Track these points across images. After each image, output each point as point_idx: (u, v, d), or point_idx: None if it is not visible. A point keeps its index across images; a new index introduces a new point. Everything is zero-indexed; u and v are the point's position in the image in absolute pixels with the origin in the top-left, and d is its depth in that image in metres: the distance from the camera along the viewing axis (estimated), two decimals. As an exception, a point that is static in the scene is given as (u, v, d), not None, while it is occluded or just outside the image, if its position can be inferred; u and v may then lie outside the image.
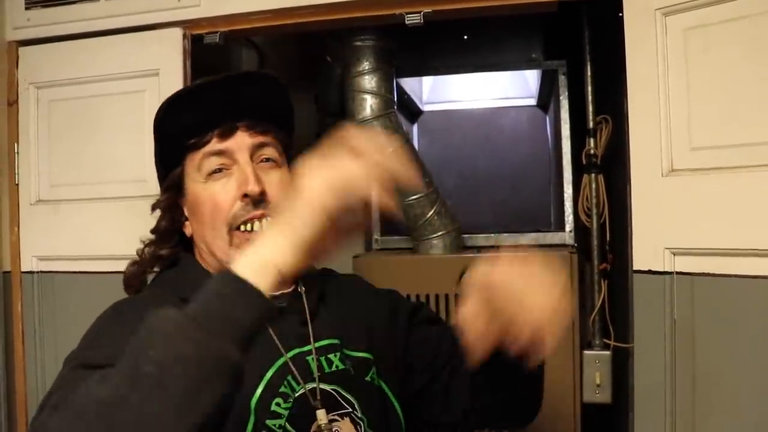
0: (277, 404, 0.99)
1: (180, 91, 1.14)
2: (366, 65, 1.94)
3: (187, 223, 1.12)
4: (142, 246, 1.14)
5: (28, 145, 1.96)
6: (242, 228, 1.04)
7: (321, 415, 1.00)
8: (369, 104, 1.92)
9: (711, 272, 1.42)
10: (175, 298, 0.97)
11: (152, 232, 1.14)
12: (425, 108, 2.86)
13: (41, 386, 1.95)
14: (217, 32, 1.83)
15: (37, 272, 1.96)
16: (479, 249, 2.06)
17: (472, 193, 2.76)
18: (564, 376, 1.84)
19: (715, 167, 1.40)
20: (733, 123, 1.38)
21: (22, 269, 1.96)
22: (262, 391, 0.99)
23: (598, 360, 1.90)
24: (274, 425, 0.97)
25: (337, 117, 2.61)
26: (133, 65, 1.86)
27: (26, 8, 1.93)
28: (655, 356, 1.49)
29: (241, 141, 1.06)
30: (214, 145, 1.05)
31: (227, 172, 1.06)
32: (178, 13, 1.82)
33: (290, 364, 1.02)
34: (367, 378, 1.11)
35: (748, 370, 1.37)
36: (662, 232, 1.48)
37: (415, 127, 2.85)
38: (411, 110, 2.75)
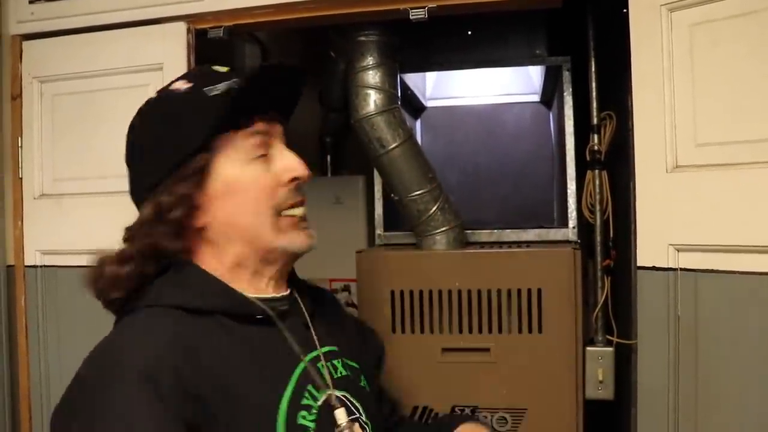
0: (303, 417, 0.98)
1: (255, 69, 1.07)
2: (370, 60, 1.94)
3: (197, 213, 1.01)
4: (126, 237, 1.02)
5: (31, 139, 1.96)
6: (285, 213, 1.04)
7: (341, 414, 1.01)
8: (373, 99, 1.92)
9: (715, 269, 1.41)
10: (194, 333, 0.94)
11: (156, 222, 0.99)
12: (429, 104, 2.85)
13: (44, 380, 1.96)
14: (221, 27, 1.83)
15: (41, 266, 1.96)
16: (482, 245, 2.06)
17: (475, 189, 2.76)
18: (566, 372, 1.84)
19: (720, 163, 1.40)
20: (738, 119, 1.38)
21: (26, 263, 1.97)
22: (287, 408, 0.97)
23: (600, 356, 1.90)
24: None
25: (340, 112, 2.61)
26: (137, 59, 1.86)
27: (30, 2, 1.94)
28: (658, 353, 1.49)
29: (277, 127, 1.07)
30: (260, 127, 1.03)
31: (266, 157, 1.04)
32: (182, 7, 1.83)
33: (309, 370, 1.02)
34: (362, 385, 1.14)
35: (752, 367, 1.37)
36: (666, 229, 1.48)
37: (418, 123, 2.85)
38: (414, 106, 2.74)
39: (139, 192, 1.03)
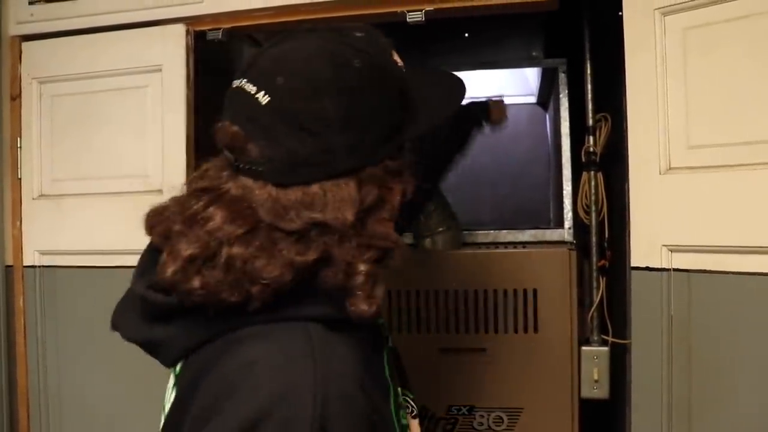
0: (403, 417, 0.92)
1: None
2: (367, 62, 1.95)
3: None
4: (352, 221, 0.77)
5: (30, 139, 1.97)
6: None
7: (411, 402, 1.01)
8: (370, 101, 1.93)
9: (708, 269, 1.43)
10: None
11: (380, 209, 0.80)
12: (426, 105, 2.87)
13: (42, 380, 1.96)
14: (219, 29, 1.84)
15: (39, 266, 1.97)
16: (479, 245, 2.08)
17: (472, 190, 2.77)
18: (562, 371, 1.86)
19: (713, 165, 1.42)
20: (730, 122, 1.39)
21: (25, 263, 1.98)
22: (395, 410, 0.87)
23: (596, 356, 1.91)
24: None
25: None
26: (136, 61, 1.87)
27: (30, 3, 1.95)
28: (652, 352, 1.50)
29: None
30: None
31: None
32: (181, 9, 1.84)
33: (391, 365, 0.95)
34: None
35: (745, 365, 1.39)
36: (660, 230, 1.50)
37: (415, 124, 2.87)
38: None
39: (324, 167, 0.77)
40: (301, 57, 0.79)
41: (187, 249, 0.74)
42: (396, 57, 0.85)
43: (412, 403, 1.01)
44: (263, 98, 0.76)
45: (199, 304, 0.74)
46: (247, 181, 0.77)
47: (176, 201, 0.82)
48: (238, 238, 0.74)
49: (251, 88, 0.77)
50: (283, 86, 0.77)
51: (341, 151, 0.77)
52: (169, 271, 0.74)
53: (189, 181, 0.84)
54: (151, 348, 0.83)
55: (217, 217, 0.75)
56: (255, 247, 0.74)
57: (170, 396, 0.84)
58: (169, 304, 0.77)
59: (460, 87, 0.90)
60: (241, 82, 0.79)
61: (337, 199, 0.76)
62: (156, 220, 0.83)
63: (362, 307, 0.76)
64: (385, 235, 0.80)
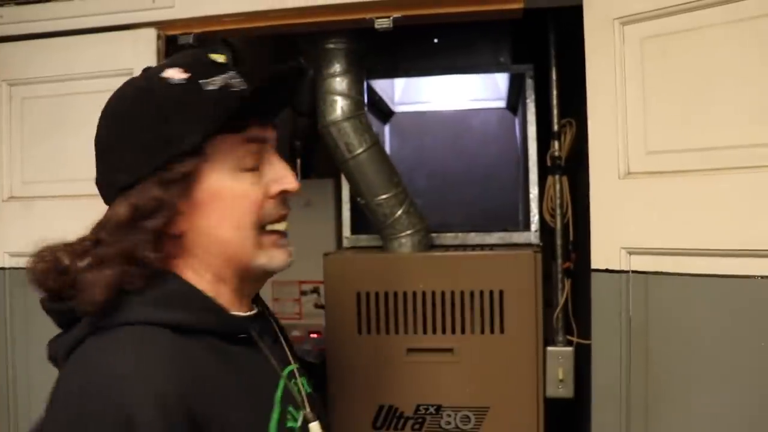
0: None
1: (268, 73, 0.94)
2: (337, 67, 1.98)
3: (176, 219, 0.91)
4: (97, 236, 0.90)
5: (0, 142, 1.97)
6: (268, 227, 0.96)
7: (315, 428, 0.98)
8: (340, 106, 1.96)
9: (665, 271, 1.47)
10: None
11: (132, 227, 0.87)
12: (397, 109, 2.90)
13: (12, 382, 1.96)
14: (190, 33, 1.86)
15: (9, 268, 1.97)
16: (447, 248, 2.11)
17: (442, 193, 2.81)
18: (528, 371, 1.90)
19: (670, 170, 1.46)
20: (686, 129, 1.44)
21: (-5, 265, 1.98)
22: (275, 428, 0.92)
23: (560, 356, 1.96)
24: None
25: (309, 117, 2.65)
26: (108, 64, 1.88)
27: None
28: (611, 352, 1.55)
29: (271, 134, 0.98)
30: (255, 132, 0.94)
31: (257, 166, 0.95)
32: (152, 14, 1.85)
33: (289, 389, 0.98)
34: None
35: (700, 366, 1.43)
36: (619, 233, 1.54)
37: (386, 128, 2.90)
38: (383, 111, 2.79)
39: (110, 188, 0.91)
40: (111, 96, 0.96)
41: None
42: (170, 74, 0.91)
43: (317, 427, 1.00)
44: None
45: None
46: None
47: None
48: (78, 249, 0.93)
49: None
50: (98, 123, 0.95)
51: (118, 169, 0.90)
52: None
53: None
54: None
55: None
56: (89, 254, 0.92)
57: None
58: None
59: (229, 99, 0.93)
60: None
61: (112, 213, 0.90)
62: None
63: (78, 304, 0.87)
64: (131, 245, 0.88)
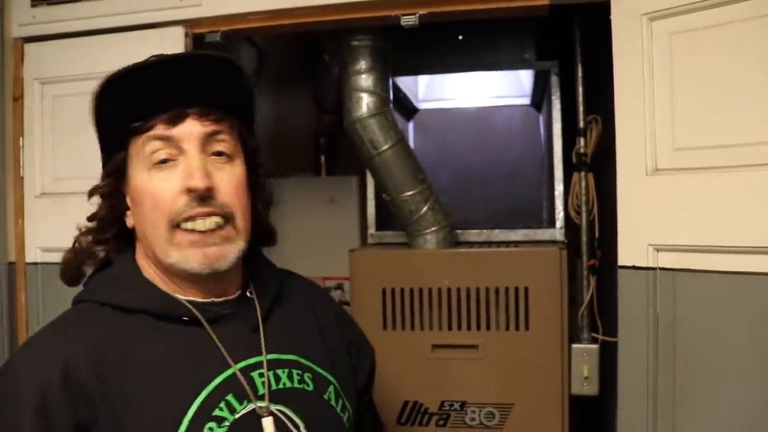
0: (210, 429, 0.91)
1: (122, 69, 1.00)
2: (362, 64, 1.99)
3: (129, 212, 1.03)
4: (78, 233, 1.07)
5: (32, 139, 2.01)
6: (183, 226, 0.95)
7: (268, 425, 0.94)
8: (365, 102, 1.97)
9: (692, 268, 1.46)
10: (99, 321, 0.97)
11: (89, 219, 1.06)
12: (421, 106, 2.90)
13: (44, 375, 2.00)
14: (217, 31, 1.87)
15: (41, 263, 2.00)
16: (471, 244, 2.11)
17: (466, 190, 2.81)
18: (553, 368, 1.89)
19: (697, 167, 1.45)
20: (714, 125, 1.43)
21: (27, 260, 2.01)
22: (192, 418, 0.91)
23: (586, 353, 1.95)
24: None
25: (334, 114, 2.67)
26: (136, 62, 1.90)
27: (32, 6, 1.98)
28: (638, 349, 1.54)
29: (191, 129, 0.96)
30: (160, 130, 0.96)
31: (173, 163, 0.96)
32: (180, 12, 1.87)
33: (238, 378, 0.96)
34: (326, 398, 1.05)
35: (728, 362, 1.42)
36: (646, 229, 1.53)
37: (410, 125, 2.90)
38: (407, 108, 2.79)
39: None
40: None
41: None
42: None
43: (289, 422, 0.98)
44: None
45: None
46: None
47: None
48: None
49: None
50: None
51: None
52: None
53: None
54: None
55: None
56: None
57: None
58: None
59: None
60: None
61: None
62: None
63: None
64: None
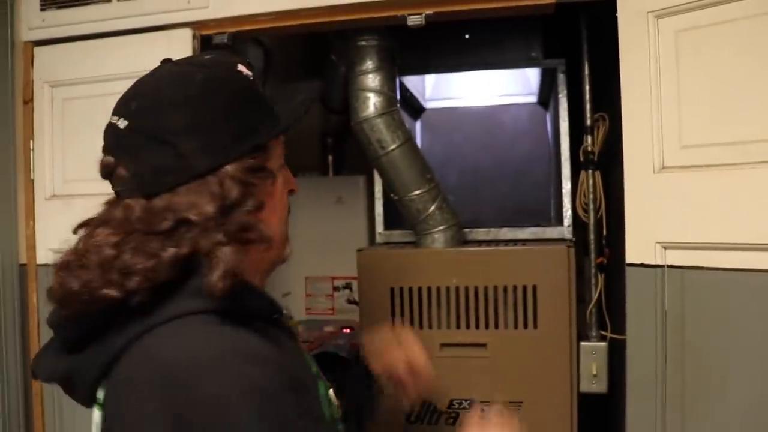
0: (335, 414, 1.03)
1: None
2: (369, 64, 1.99)
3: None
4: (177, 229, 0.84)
5: (42, 142, 2.02)
6: None
7: (332, 394, 1.04)
8: (372, 102, 1.97)
9: (700, 265, 1.47)
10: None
11: (220, 216, 0.86)
12: (428, 105, 2.90)
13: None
14: (224, 33, 1.88)
15: (52, 265, 2.01)
16: (479, 243, 2.11)
17: (474, 189, 2.80)
18: (561, 366, 1.89)
19: (705, 164, 1.45)
20: (722, 122, 1.43)
21: (38, 262, 2.03)
22: (328, 405, 1.01)
23: (594, 351, 1.95)
24: None
25: (341, 114, 2.67)
26: (145, 65, 1.87)
27: (41, 9, 2.00)
28: (646, 347, 1.54)
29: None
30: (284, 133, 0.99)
31: None
32: (187, 14, 1.88)
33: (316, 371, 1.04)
34: None
35: (736, 360, 1.42)
36: (654, 227, 1.54)
37: (418, 124, 2.90)
38: (414, 107, 2.79)
39: (175, 174, 0.87)
40: (150, 82, 0.93)
41: (63, 259, 0.86)
42: (242, 69, 0.95)
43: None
44: (122, 123, 0.88)
45: (84, 306, 0.81)
46: (126, 202, 0.88)
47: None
48: (112, 244, 0.83)
49: (114, 119, 0.91)
50: (136, 109, 0.89)
51: (194, 155, 0.86)
52: (55, 286, 0.84)
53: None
54: (67, 382, 0.88)
55: (100, 233, 0.86)
56: (128, 248, 0.83)
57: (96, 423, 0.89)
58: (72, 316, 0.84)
59: (313, 90, 1.05)
60: (111, 118, 0.91)
61: (197, 198, 0.85)
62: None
63: (212, 278, 0.81)
64: (247, 225, 0.87)
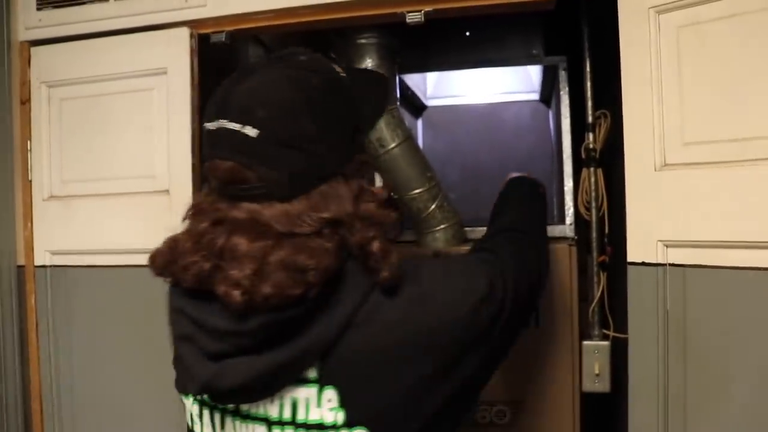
0: None
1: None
2: (369, 62, 1.98)
3: None
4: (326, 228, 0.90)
5: (40, 142, 2.01)
6: None
7: None
8: (372, 101, 1.96)
9: (703, 264, 1.45)
10: None
11: (357, 211, 0.93)
12: (429, 103, 2.89)
13: (55, 377, 2.01)
14: (222, 31, 1.87)
15: (50, 266, 2.01)
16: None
17: (476, 186, 2.79)
18: (564, 365, 1.89)
19: (707, 162, 1.43)
20: (723, 119, 1.41)
21: (36, 263, 2.02)
22: None
23: (597, 350, 1.93)
24: None
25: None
26: (142, 64, 1.91)
27: (38, 9, 1.99)
28: (648, 345, 1.52)
29: None
30: None
31: None
32: (185, 13, 1.87)
33: None
34: None
35: (739, 358, 1.40)
36: (655, 225, 1.52)
37: (419, 122, 2.89)
38: (415, 105, 2.78)
39: (306, 178, 0.92)
40: (269, 89, 0.93)
41: (241, 272, 0.85)
42: (339, 69, 1.01)
43: None
44: (251, 131, 0.89)
45: (274, 306, 0.85)
46: (249, 206, 0.90)
47: (182, 245, 0.91)
48: (271, 248, 0.86)
49: (235, 126, 0.90)
50: (265, 117, 0.90)
51: (325, 158, 0.93)
52: (237, 295, 0.84)
53: (189, 221, 0.95)
54: (258, 381, 0.90)
55: (242, 241, 0.87)
56: (291, 249, 0.86)
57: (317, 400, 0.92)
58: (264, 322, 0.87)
59: (385, 80, 1.12)
60: (220, 122, 0.91)
61: (335, 197, 0.91)
62: (167, 265, 0.93)
63: (384, 275, 0.90)
64: (379, 213, 0.94)
